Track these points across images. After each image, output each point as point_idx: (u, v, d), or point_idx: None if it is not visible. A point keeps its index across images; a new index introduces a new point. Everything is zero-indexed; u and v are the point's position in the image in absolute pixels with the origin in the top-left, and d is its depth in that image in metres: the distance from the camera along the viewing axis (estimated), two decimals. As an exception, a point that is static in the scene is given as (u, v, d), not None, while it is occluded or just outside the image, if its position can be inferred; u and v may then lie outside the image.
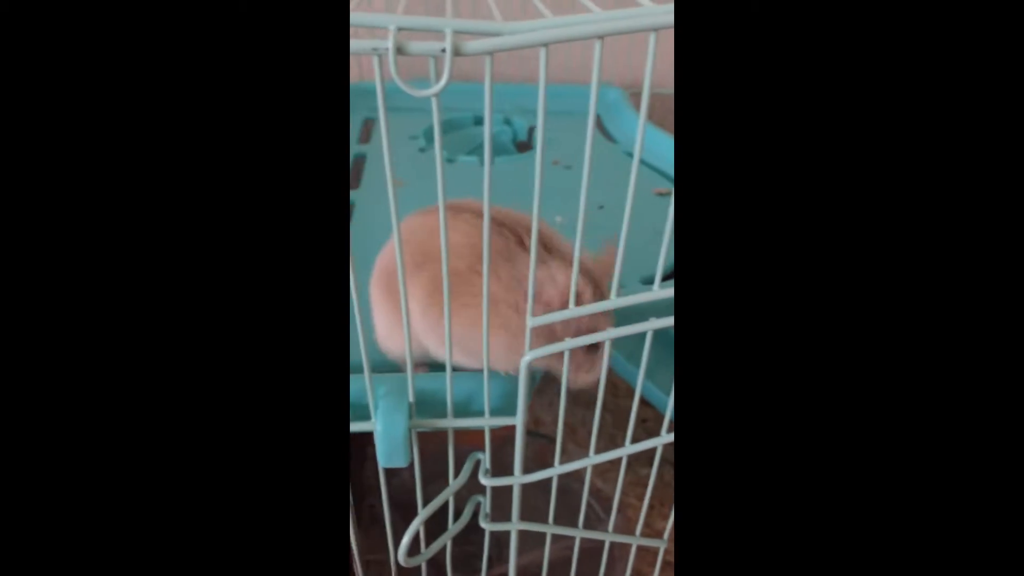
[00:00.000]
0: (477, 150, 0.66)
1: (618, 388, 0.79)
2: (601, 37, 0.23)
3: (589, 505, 0.54)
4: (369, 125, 0.68)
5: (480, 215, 0.40)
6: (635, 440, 0.36)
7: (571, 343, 0.30)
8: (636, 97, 0.69)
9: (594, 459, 0.35)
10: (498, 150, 0.67)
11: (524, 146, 0.70)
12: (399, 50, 0.21)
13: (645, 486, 0.40)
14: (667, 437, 0.35)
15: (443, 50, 0.22)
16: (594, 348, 0.33)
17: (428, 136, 0.67)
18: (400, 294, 0.29)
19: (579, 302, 0.29)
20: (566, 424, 0.35)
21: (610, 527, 0.41)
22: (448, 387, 0.32)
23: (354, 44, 0.22)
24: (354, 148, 0.62)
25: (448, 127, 0.68)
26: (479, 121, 0.70)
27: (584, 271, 0.31)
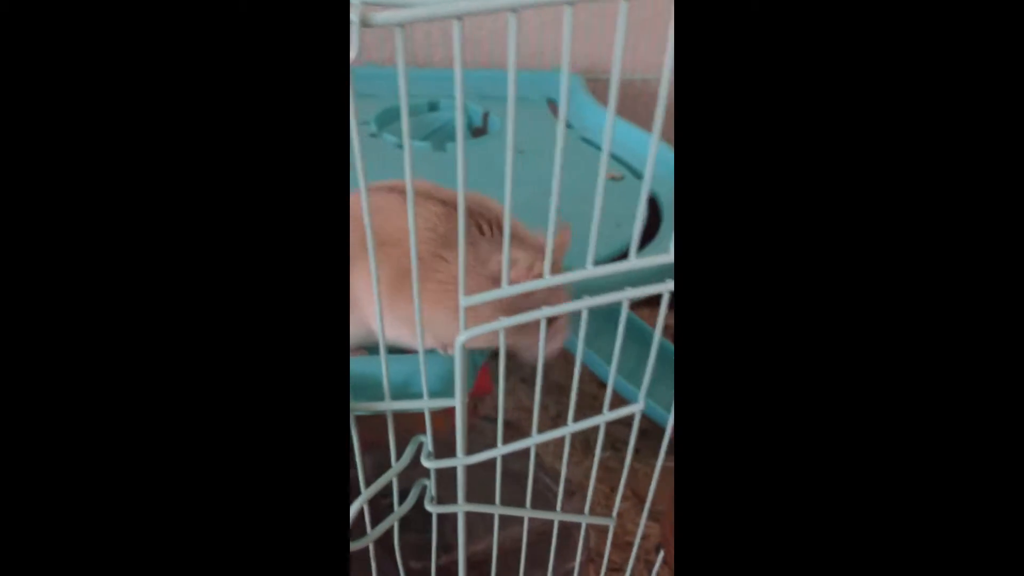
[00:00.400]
0: (432, 135, 0.66)
1: (582, 375, 0.80)
2: (515, 10, 0.23)
3: (547, 488, 0.54)
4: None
5: (433, 199, 0.40)
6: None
7: (505, 322, 0.30)
8: (592, 83, 0.69)
9: (536, 439, 0.35)
10: (452, 135, 0.66)
11: (479, 132, 0.69)
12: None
13: (606, 469, 0.40)
14: (609, 415, 0.36)
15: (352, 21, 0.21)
16: (552, 323, 0.34)
17: (379, 121, 0.66)
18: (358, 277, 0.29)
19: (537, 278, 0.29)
20: (525, 409, 0.35)
21: (558, 507, 0.41)
22: (384, 369, 0.31)
23: (262, 16, 0.21)
24: None
25: (398, 114, 0.68)
26: (433, 107, 0.70)
27: (540, 250, 0.31)
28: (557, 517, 0.41)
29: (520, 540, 0.46)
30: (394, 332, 0.36)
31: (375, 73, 0.69)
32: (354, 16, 0.21)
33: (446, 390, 0.33)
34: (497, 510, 0.39)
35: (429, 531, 0.43)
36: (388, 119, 0.68)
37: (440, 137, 0.66)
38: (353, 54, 0.22)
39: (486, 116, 0.70)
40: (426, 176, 0.36)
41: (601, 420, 0.35)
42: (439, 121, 0.71)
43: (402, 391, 0.33)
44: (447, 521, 0.40)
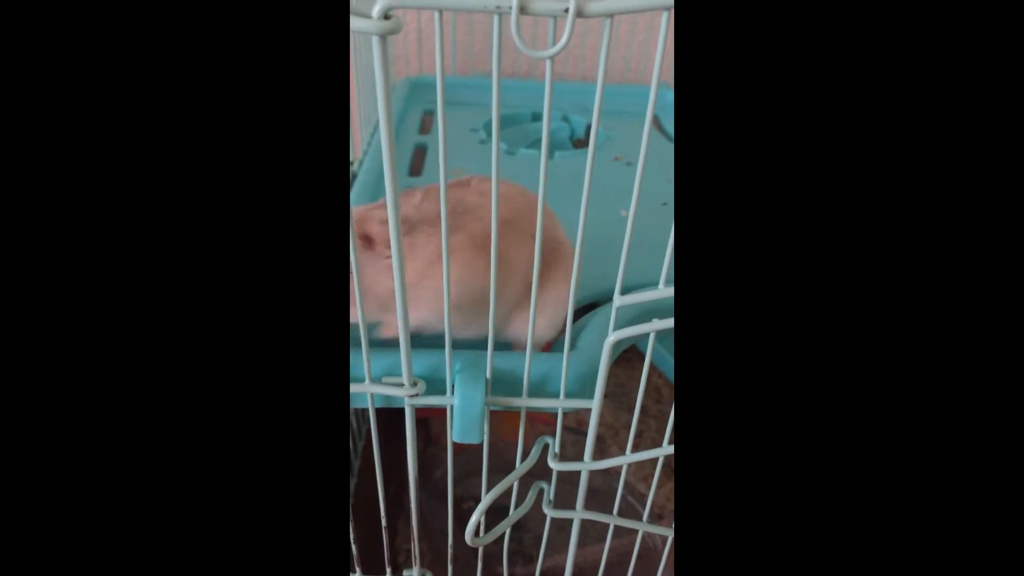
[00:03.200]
0: (536, 144, 0.66)
1: (662, 394, 0.78)
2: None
3: (631, 507, 0.53)
4: (427, 118, 0.68)
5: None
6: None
7: (658, 324, 0.29)
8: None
9: (630, 457, 0.34)
10: (556, 145, 0.67)
11: (581, 143, 0.70)
12: (522, 9, 0.21)
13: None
14: None
15: (566, 10, 0.21)
16: None
17: (487, 128, 0.67)
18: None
19: None
20: (610, 426, 0.35)
21: (644, 516, 0.40)
22: (527, 365, 0.31)
23: (473, 1, 0.22)
24: (414, 138, 0.63)
25: (507, 122, 0.69)
26: (537, 117, 0.70)
27: None
28: (642, 527, 0.40)
29: (595, 558, 0.45)
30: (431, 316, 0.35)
31: (481, 83, 0.70)
32: (571, 5, 0.21)
33: (582, 391, 0.33)
34: (613, 520, 0.38)
35: (516, 539, 0.42)
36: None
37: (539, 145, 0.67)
38: (562, 43, 0.22)
39: (588, 128, 0.70)
40: (530, 180, 0.36)
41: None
42: (541, 131, 0.72)
43: (538, 389, 0.33)
44: (526, 531, 0.39)
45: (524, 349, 0.31)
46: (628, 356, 0.74)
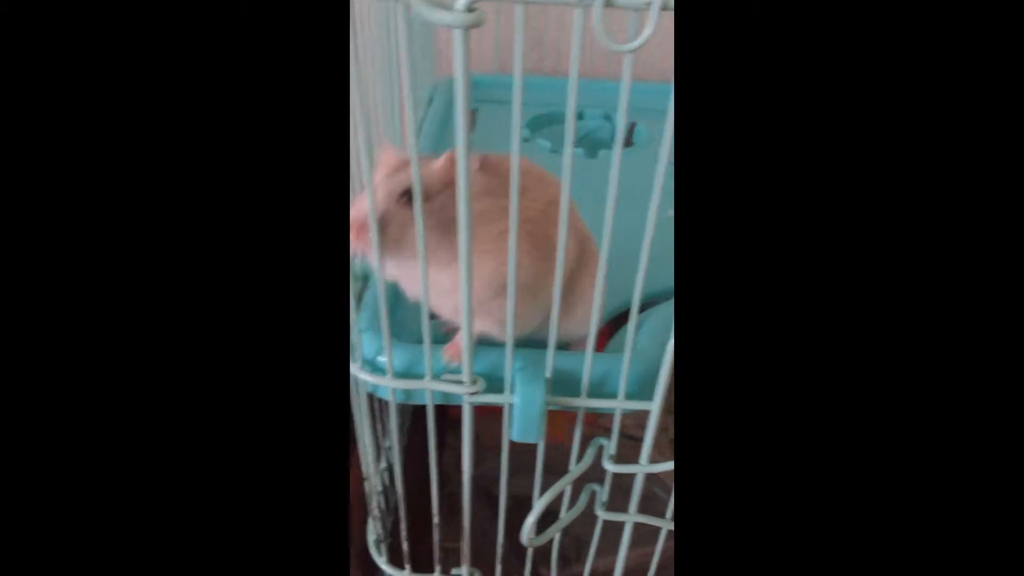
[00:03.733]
0: (581, 142, 0.66)
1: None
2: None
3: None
4: (472, 116, 0.68)
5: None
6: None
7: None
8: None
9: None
10: (599, 144, 0.66)
11: (625, 142, 0.69)
12: (607, 2, 0.21)
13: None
14: None
15: (648, 3, 0.21)
16: None
17: (531, 126, 0.67)
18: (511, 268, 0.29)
19: None
20: (643, 427, 0.34)
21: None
22: (587, 366, 0.31)
23: (557, -4, 0.21)
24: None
25: (550, 120, 0.68)
26: (581, 115, 0.70)
27: None
28: None
29: (639, 561, 0.45)
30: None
31: (525, 81, 0.70)
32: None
33: (641, 392, 0.32)
34: (666, 524, 0.37)
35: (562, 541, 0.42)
36: (539, 124, 0.68)
37: (589, 144, 0.66)
38: (645, 36, 0.21)
39: (632, 127, 0.69)
40: (582, 182, 0.35)
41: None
42: (585, 129, 0.71)
43: (596, 390, 0.32)
44: (564, 532, 0.39)
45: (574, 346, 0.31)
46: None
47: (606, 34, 0.21)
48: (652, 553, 0.42)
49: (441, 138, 0.59)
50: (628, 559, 0.40)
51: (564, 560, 0.47)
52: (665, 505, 0.38)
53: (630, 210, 0.30)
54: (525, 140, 0.62)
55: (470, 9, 0.20)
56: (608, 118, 0.70)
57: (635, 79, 0.24)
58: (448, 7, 0.20)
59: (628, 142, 0.69)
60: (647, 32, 0.21)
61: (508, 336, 0.29)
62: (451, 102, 0.68)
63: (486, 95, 0.70)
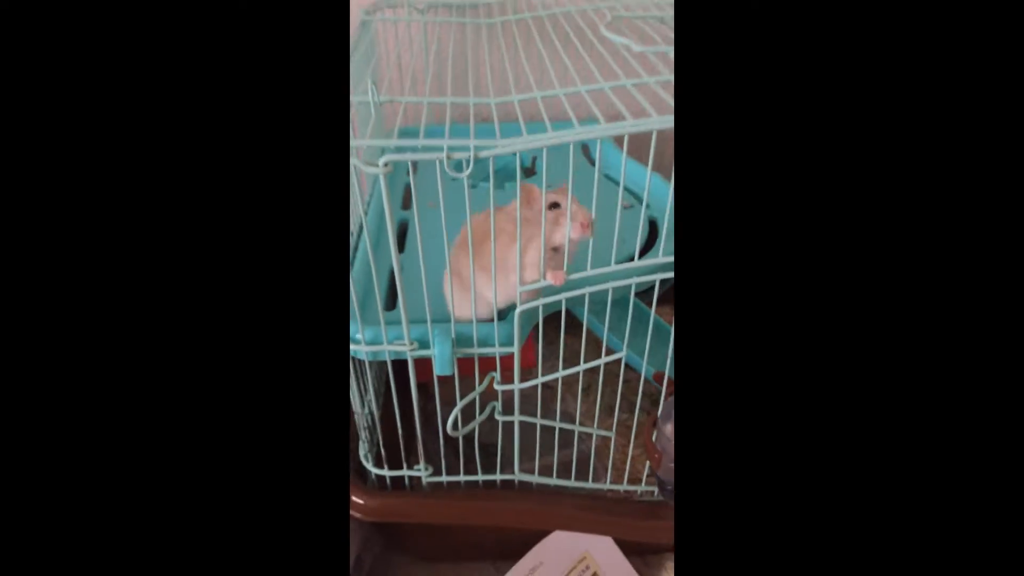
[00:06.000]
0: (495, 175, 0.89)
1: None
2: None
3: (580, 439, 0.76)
4: (407, 190, 0.90)
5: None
6: (614, 390, 0.59)
7: (544, 300, 0.53)
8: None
9: (561, 372, 0.58)
10: (507, 176, 0.90)
11: (529, 172, 0.93)
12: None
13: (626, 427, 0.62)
14: (606, 359, 0.58)
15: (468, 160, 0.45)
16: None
17: (457, 167, 0.90)
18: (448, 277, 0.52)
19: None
20: (565, 380, 0.58)
21: (577, 420, 0.64)
22: (474, 329, 0.55)
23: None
24: (398, 214, 0.84)
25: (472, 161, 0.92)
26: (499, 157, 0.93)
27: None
28: (577, 428, 0.63)
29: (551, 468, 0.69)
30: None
31: (453, 128, 0.93)
32: (471, 157, 0.45)
33: (509, 343, 0.56)
34: (539, 421, 0.62)
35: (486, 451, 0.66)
36: (462, 166, 0.92)
37: (500, 178, 0.90)
38: (468, 171, 0.45)
39: (534, 159, 0.93)
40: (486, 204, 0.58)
41: (600, 362, 0.58)
42: (498, 164, 0.95)
43: (484, 343, 0.56)
44: (492, 453, 0.62)
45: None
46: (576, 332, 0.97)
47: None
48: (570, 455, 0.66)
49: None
50: (551, 460, 0.65)
51: (502, 461, 0.71)
52: (557, 415, 0.63)
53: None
54: (452, 179, 0.86)
55: (385, 164, 0.44)
56: (515, 153, 0.94)
57: (534, 120, 0.43)
58: (375, 165, 0.44)
59: (531, 172, 0.92)
60: (469, 170, 0.45)
61: (427, 316, 0.53)
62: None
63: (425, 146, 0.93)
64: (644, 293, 0.66)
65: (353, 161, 0.43)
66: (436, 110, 0.55)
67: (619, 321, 0.65)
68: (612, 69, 0.59)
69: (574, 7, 0.82)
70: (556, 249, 0.53)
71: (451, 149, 0.44)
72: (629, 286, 0.53)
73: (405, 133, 0.95)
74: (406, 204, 0.85)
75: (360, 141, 0.44)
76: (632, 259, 0.52)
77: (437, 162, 0.44)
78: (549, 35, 0.78)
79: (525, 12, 0.86)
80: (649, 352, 0.57)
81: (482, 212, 0.57)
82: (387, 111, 0.97)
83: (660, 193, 0.77)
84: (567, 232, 0.51)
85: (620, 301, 0.64)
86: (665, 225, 0.55)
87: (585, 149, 0.93)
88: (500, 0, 0.87)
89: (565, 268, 0.53)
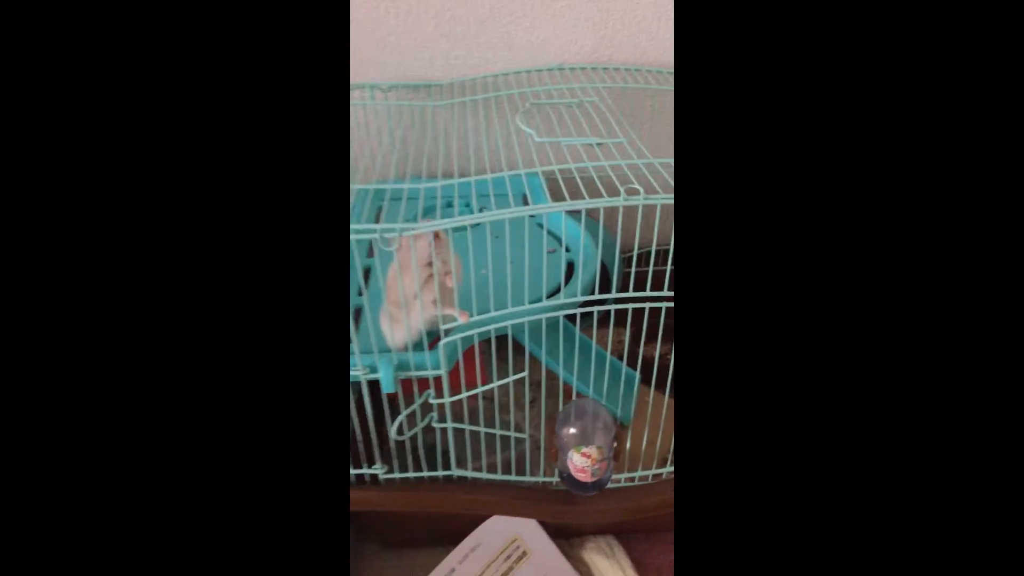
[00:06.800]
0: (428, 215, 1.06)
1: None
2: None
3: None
4: (378, 212, 1.08)
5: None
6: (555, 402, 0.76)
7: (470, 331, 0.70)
8: (549, 181, 1.09)
9: (479, 389, 0.75)
10: (460, 229, 1.07)
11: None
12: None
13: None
14: (514, 376, 0.75)
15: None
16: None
17: (423, 215, 1.08)
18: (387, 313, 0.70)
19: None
20: (513, 393, 0.75)
21: (510, 427, 0.80)
22: (411, 357, 0.72)
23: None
24: (364, 262, 1.02)
25: (430, 211, 1.09)
26: (449, 204, 1.11)
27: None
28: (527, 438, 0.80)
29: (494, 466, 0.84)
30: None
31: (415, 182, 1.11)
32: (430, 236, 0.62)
33: (436, 365, 0.73)
34: (468, 427, 0.78)
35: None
36: (426, 213, 1.09)
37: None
38: (428, 258, 0.62)
39: (481, 210, 1.11)
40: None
41: (509, 380, 0.75)
42: (452, 214, 1.12)
43: (419, 367, 0.73)
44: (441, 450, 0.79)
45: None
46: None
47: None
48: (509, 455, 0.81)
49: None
50: (494, 459, 0.81)
51: (453, 461, 0.87)
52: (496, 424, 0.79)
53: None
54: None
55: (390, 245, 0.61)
56: (467, 205, 1.11)
57: (481, 175, 0.60)
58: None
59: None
60: (431, 256, 0.62)
61: (374, 348, 0.70)
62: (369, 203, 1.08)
63: (391, 196, 1.11)
64: (585, 317, 0.83)
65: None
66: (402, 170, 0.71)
67: (552, 344, 0.82)
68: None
69: (516, 90, 1.00)
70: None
71: (382, 231, 0.62)
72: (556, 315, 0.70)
73: (373, 192, 1.12)
74: (371, 253, 1.03)
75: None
76: (557, 292, 0.69)
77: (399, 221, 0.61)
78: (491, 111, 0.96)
79: (478, 94, 1.04)
80: (572, 367, 0.74)
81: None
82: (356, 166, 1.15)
83: (578, 240, 0.95)
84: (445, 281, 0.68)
85: (553, 326, 0.81)
86: (580, 266, 0.72)
87: (525, 200, 1.11)
88: (450, 83, 1.05)
89: (461, 307, 0.70)
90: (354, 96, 1.02)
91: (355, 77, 1.04)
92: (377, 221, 0.79)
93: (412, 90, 1.06)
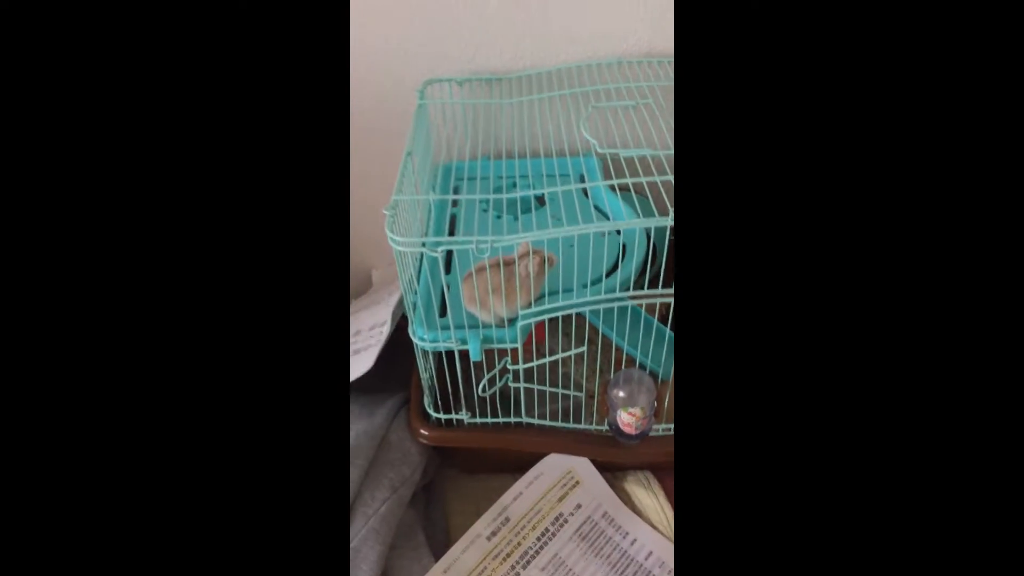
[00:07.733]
0: (511, 208, 1.22)
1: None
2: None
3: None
4: (456, 190, 1.24)
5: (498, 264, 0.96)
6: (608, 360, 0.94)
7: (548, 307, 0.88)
8: (607, 162, 1.21)
9: (545, 360, 0.93)
10: (525, 208, 1.22)
11: (542, 201, 1.25)
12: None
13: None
14: (577, 350, 0.93)
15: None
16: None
17: (495, 206, 1.23)
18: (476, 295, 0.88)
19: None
20: (565, 359, 0.93)
21: (571, 387, 0.99)
22: (494, 332, 0.90)
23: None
24: (450, 210, 1.19)
25: (498, 192, 1.25)
26: (512, 186, 1.26)
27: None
28: (583, 396, 0.99)
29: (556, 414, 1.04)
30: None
31: (486, 164, 1.26)
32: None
33: (514, 339, 0.91)
34: (536, 386, 0.97)
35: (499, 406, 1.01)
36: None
37: (515, 209, 1.22)
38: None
39: (544, 195, 1.25)
40: (504, 232, 0.92)
41: (572, 353, 0.93)
42: (521, 199, 1.26)
43: (500, 340, 0.92)
44: (514, 399, 0.98)
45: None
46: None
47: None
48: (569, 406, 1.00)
49: (442, 211, 1.16)
50: (554, 408, 1.00)
51: (523, 411, 1.07)
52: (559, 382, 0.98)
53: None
54: (483, 210, 1.19)
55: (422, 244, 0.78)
56: (531, 187, 1.25)
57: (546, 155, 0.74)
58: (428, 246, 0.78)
59: (543, 201, 1.25)
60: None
61: (465, 324, 0.88)
62: (447, 180, 1.24)
63: (467, 173, 1.26)
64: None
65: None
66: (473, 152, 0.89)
67: (610, 318, 0.99)
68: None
69: (579, 89, 1.12)
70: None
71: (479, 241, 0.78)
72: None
73: (448, 170, 1.28)
74: (452, 232, 1.19)
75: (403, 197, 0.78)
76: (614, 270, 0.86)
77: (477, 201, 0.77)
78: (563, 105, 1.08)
79: (543, 91, 1.16)
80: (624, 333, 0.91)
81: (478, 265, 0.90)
82: (438, 148, 1.30)
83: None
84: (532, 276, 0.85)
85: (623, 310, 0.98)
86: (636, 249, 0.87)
87: (581, 178, 1.25)
88: (518, 76, 1.18)
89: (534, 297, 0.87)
90: (432, 89, 1.15)
91: (431, 71, 1.17)
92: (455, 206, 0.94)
93: (485, 83, 1.18)
